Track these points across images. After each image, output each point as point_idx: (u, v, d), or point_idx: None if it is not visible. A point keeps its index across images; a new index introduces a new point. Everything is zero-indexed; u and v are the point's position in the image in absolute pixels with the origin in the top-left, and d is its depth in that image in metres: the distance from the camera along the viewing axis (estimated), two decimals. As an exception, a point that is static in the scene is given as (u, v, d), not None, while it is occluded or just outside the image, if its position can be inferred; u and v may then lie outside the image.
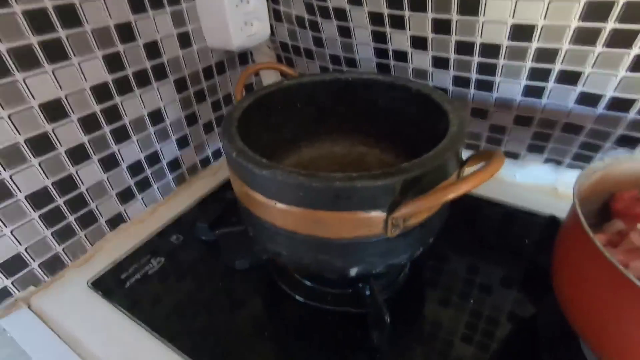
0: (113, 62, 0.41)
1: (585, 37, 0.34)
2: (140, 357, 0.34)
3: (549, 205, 0.48)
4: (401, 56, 0.46)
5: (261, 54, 0.62)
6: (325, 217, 0.27)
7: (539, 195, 0.51)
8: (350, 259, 0.29)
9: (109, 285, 0.41)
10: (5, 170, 0.36)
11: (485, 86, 0.43)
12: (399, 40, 0.44)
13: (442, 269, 0.41)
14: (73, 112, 0.39)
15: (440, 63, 0.44)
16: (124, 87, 0.43)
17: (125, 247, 0.45)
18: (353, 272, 0.30)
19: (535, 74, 0.39)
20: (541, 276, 0.39)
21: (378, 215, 0.26)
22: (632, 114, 0.37)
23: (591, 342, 0.27)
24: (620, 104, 0.37)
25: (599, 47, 0.34)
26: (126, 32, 0.42)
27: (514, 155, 0.51)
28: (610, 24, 0.32)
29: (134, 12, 0.42)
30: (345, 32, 0.48)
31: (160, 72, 0.47)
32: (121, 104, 0.44)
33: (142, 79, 0.45)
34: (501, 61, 0.40)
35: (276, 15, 0.54)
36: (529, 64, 0.38)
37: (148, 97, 0.47)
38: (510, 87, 0.42)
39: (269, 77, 0.65)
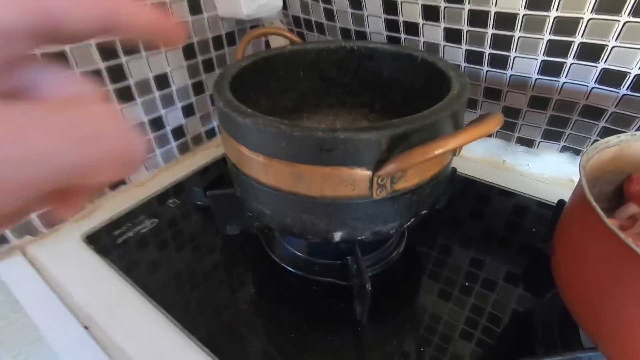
0: (120, 20, 0.42)
1: (609, 5, 0.31)
2: (123, 308, 0.34)
3: (563, 196, 0.45)
4: (412, 29, 0.44)
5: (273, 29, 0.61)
6: (307, 171, 0.25)
7: (553, 186, 0.48)
8: (334, 220, 0.28)
9: (101, 241, 0.41)
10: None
11: (499, 62, 0.41)
12: (410, 10, 0.42)
13: (440, 254, 0.39)
14: (77, 66, 0.40)
15: (453, 36, 0.42)
16: (130, 48, 0.43)
17: (122, 207, 0.46)
18: (337, 236, 0.29)
19: (553, 48, 0.36)
20: (544, 265, 0.36)
21: (363, 172, 0.25)
22: (659, 96, 0.34)
23: (588, 326, 0.24)
24: (647, 84, 0.34)
25: (624, 16, 0.31)
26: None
27: (528, 142, 0.48)
28: (638, -11, 0.29)
29: (143, -30, 0.42)
30: (356, 2, 0.46)
31: (167, 36, 0.47)
32: (127, 64, 0.44)
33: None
34: (516, 33, 0.37)
35: (289, -14, 0.53)
36: (546, 36, 0.36)
37: (155, 60, 0.47)
38: (525, 63, 0.39)
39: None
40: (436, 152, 0.22)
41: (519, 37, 0.37)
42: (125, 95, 0.45)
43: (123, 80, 0.44)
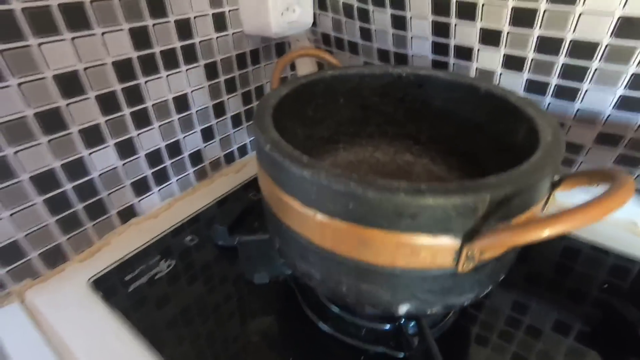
0: (140, 37, 0.37)
1: None
2: (134, 378, 0.29)
3: (625, 242, 0.40)
4: (465, 53, 0.39)
5: (300, 47, 0.57)
6: (378, 237, 0.20)
7: (611, 228, 0.43)
8: (401, 293, 0.23)
9: (111, 287, 0.36)
10: (9, 145, 0.32)
11: (567, 94, 0.36)
12: (465, 33, 0.38)
13: (493, 306, 0.34)
14: (92, 88, 0.35)
15: (514, 63, 0.37)
16: (149, 66, 0.39)
17: (134, 244, 0.41)
18: (402, 309, 0.24)
19: (637, 81, 0.32)
20: (625, 333, 0.31)
21: (449, 242, 0.20)
22: None
23: None
24: None
25: None
26: (157, 5, 0.37)
27: (586, 180, 0.43)
28: None
29: (168, -17, 0.37)
30: (400, 22, 0.42)
31: (190, 54, 0.43)
32: (145, 84, 0.39)
33: (170, 59, 0.41)
34: (595, 63, 0.33)
35: (320, 2, 0.49)
36: (632, 68, 0.31)
37: (175, 80, 0.42)
38: (600, 96, 0.35)
39: (306, 72, 0.60)
40: (557, 231, 0.17)
41: (596, 68, 0.33)
42: (142, 119, 0.40)
43: (140, 103, 0.40)
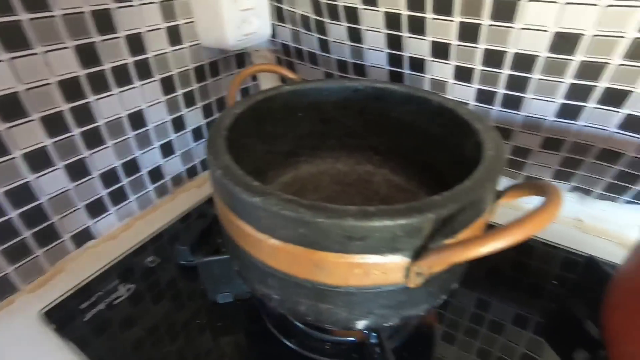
0: (87, 54, 0.36)
1: (641, 52, 0.29)
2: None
3: (572, 239, 0.43)
4: (418, 65, 0.41)
5: (260, 58, 0.57)
6: (331, 260, 0.21)
7: (560, 226, 0.45)
8: (358, 310, 0.23)
9: (65, 317, 0.34)
10: (-59, 176, 0.29)
11: (513, 103, 0.38)
12: (417, 46, 0.39)
13: (457, 304, 0.35)
14: (35, 110, 0.33)
15: (463, 74, 0.39)
16: (99, 83, 0.37)
17: (90, 269, 0.39)
18: (360, 324, 0.24)
19: (574, 91, 0.34)
20: (574, 326, 0.33)
21: (399, 261, 0.21)
22: (685, 144, 0.32)
23: None
24: (673, 131, 0.32)
25: (656, 64, 0.29)
26: (104, 21, 0.36)
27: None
28: (676, 37, 0.27)
29: (116, 0, 0.36)
30: (355, 35, 0.42)
31: (144, 69, 0.41)
32: (95, 102, 0.38)
33: (122, 75, 0.39)
34: (536, 75, 0.35)
35: (278, 14, 0.49)
36: (568, 80, 0.33)
37: (128, 96, 0.41)
38: (542, 105, 0.37)
39: (268, 84, 0.60)
40: (491, 249, 0.18)
41: (537, 79, 0.35)
42: (93, 139, 0.39)
43: (90, 122, 0.38)
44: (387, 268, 0.21)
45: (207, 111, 0.51)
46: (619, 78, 0.31)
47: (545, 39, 0.32)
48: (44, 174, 0.36)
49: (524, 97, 0.37)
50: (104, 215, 0.43)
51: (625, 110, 0.33)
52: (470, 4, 0.33)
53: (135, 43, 0.39)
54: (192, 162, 0.52)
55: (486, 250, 0.18)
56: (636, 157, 0.36)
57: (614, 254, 0.39)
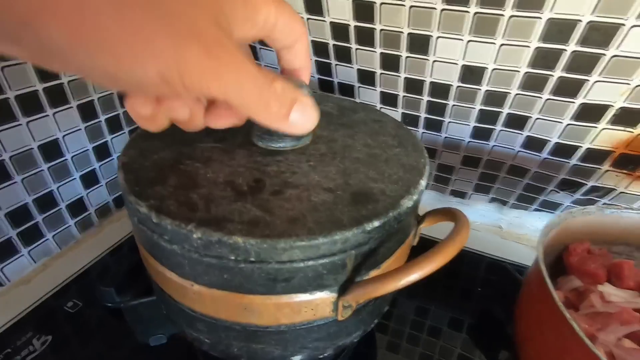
0: (-17, 83, 0.32)
1: (533, 83, 0.33)
2: None
3: (494, 245, 0.47)
4: (348, 90, 0.42)
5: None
6: (258, 302, 0.21)
7: (484, 233, 0.50)
8: (291, 347, 0.23)
9: (-37, 383, 0.30)
10: None
11: (435, 126, 0.41)
12: (345, 73, 0.41)
13: (398, 313, 0.37)
14: None
15: (389, 100, 0.41)
16: (1, 114, 0.34)
17: (-3, 322, 0.34)
18: (295, 360, 0.24)
19: (484, 116, 0.38)
20: (496, 328, 0.36)
21: (326, 296, 0.21)
22: (574, 161, 0.37)
23: None
24: (564, 150, 0.37)
25: (546, 94, 0.33)
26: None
27: (461, 195, 0.50)
28: (558, 72, 0.31)
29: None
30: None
31: (57, 96, 0.38)
32: (-3, 135, 0.34)
33: (31, 103, 0.36)
34: (451, 102, 0.38)
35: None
36: (478, 106, 0.37)
37: (39, 125, 0.37)
38: (459, 128, 0.40)
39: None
40: (413, 279, 0.19)
41: (452, 105, 0.38)
42: (-4, 176, 0.35)
43: (-8, 157, 0.34)
44: (315, 304, 0.21)
45: (135, 136, 0.49)
46: (518, 105, 0.35)
47: (455, 70, 0.35)
48: None
49: (443, 120, 0.40)
50: (13, 258, 0.38)
51: (526, 132, 0.37)
52: (389, 37, 0.35)
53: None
54: (120, 191, 0.49)
55: (409, 282, 0.19)
56: (538, 172, 0.40)
57: (530, 257, 0.44)
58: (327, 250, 0.19)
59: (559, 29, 0.28)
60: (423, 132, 0.43)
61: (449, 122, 0.40)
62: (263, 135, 0.26)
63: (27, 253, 0.39)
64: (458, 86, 0.36)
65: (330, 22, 0.36)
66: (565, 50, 0.29)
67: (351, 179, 0.23)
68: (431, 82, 0.37)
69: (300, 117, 0.18)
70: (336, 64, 0.40)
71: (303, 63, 0.21)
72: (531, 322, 0.27)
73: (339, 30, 0.36)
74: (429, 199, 0.52)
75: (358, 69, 0.39)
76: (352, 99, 0.43)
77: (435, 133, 0.42)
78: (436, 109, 0.39)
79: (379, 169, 0.25)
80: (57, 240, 0.42)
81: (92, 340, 0.34)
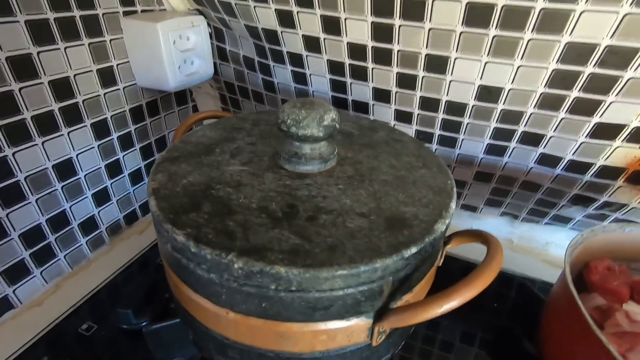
0: (2, 104, 0.32)
1: (550, 103, 0.33)
2: None
3: (505, 258, 0.47)
4: (362, 107, 0.43)
5: (202, 94, 0.55)
6: (295, 329, 0.20)
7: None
8: (324, 373, 0.23)
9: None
10: None
11: (449, 143, 0.42)
12: (360, 91, 0.41)
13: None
14: None
15: (404, 117, 0.41)
16: (16, 134, 0.33)
17: (10, 347, 0.34)
18: (326, 385, 0.24)
19: (498, 134, 0.38)
20: (514, 344, 0.36)
21: (362, 323, 0.21)
22: (587, 177, 0.38)
23: None
24: (578, 167, 0.37)
25: (562, 113, 0.34)
26: (22, 67, 0.32)
27: (472, 208, 0.50)
28: (575, 93, 0.32)
29: (37, 43, 0.33)
30: (300, 78, 0.43)
31: (72, 114, 0.38)
32: (12, 156, 0.34)
33: (46, 123, 0.36)
34: (466, 120, 0.38)
35: (221, 54, 0.48)
36: (493, 124, 0.37)
37: (54, 145, 0.37)
38: (473, 144, 0.40)
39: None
40: (453, 306, 0.19)
41: (467, 123, 0.38)
42: (11, 196, 0.34)
43: (8, 178, 0.34)
44: (351, 331, 0.21)
45: (146, 152, 0.48)
46: (533, 123, 0.36)
47: (472, 90, 0.35)
48: (-52, 244, 0.31)
49: (457, 137, 0.41)
50: (26, 279, 0.37)
51: (540, 149, 0.38)
52: (406, 57, 0.35)
53: (62, 88, 0.36)
54: (130, 207, 0.48)
55: (449, 309, 0.19)
56: (551, 187, 0.41)
57: (540, 270, 0.44)
58: (366, 277, 0.19)
59: (578, 52, 0.29)
60: (436, 148, 0.43)
61: (463, 139, 0.40)
62: (290, 159, 0.26)
63: (39, 274, 0.39)
64: (474, 105, 0.36)
65: (348, 43, 0.36)
66: (582, 72, 0.30)
67: (382, 203, 0.23)
68: (447, 101, 0.37)
69: None
70: (351, 82, 0.40)
71: None
72: (559, 342, 0.27)
73: (356, 50, 0.37)
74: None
75: (373, 87, 0.40)
76: (368, 117, 0.43)
77: (449, 149, 0.42)
78: (451, 126, 0.40)
79: (408, 192, 0.25)
80: (68, 260, 0.42)
81: (110, 365, 0.33)
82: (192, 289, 0.22)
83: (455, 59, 0.33)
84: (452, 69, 0.34)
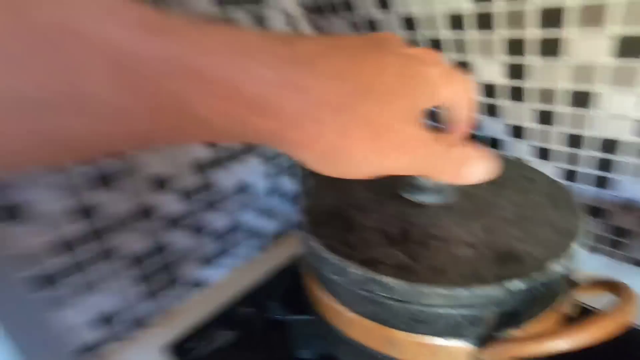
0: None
1: None
2: None
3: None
4: (493, 143, 0.43)
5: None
6: (401, 337, 0.24)
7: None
8: (427, 387, 0.25)
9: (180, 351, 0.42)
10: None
11: (602, 183, 0.37)
12: (491, 126, 0.41)
13: None
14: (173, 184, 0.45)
15: (541, 154, 0.39)
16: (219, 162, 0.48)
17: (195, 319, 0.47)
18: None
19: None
20: None
21: (464, 346, 0.23)
22: None
23: None
24: None
25: None
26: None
27: (638, 262, 0.41)
28: None
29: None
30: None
31: (247, 148, 0.51)
32: (213, 176, 0.48)
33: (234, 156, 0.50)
34: (620, 157, 0.34)
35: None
36: (661, 163, 0.32)
37: (237, 169, 0.51)
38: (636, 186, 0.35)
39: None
40: (559, 346, 0.19)
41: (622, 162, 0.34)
42: (211, 207, 0.49)
43: (209, 189, 0.48)
44: (452, 351, 0.23)
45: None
46: None
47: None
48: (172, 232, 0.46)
49: (612, 177, 0.36)
50: (215, 265, 0.52)
51: None
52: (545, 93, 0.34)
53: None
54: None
55: (554, 349, 0.19)
56: None
57: None
58: (466, 301, 0.21)
59: None
60: (585, 188, 0.39)
61: (619, 179, 0.35)
62: (411, 190, 0.30)
63: (224, 263, 0.53)
64: (628, 141, 0.32)
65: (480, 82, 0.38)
66: None
67: (495, 237, 0.25)
68: (592, 136, 0.34)
69: (472, 172, 0.19)
70: (483, 119, 0.41)
71: (466, 117, 0.22)
72: None
73: (489, 88, 0.38)
74: (597, 265, 0.45)
75: (505, 124, 0.40)
76: (501, 152, 0.43)
77: (608, 190, 0.37)
78: (603, 164, 0.35)
79: (526, 229, 0.25)
80: (242, 255, 0.55)
81: (260, 344, 0.42)
82: (322, 288, 0.28)
83: (600, 93, 0.31)
84: (599, 102, 0.32)
